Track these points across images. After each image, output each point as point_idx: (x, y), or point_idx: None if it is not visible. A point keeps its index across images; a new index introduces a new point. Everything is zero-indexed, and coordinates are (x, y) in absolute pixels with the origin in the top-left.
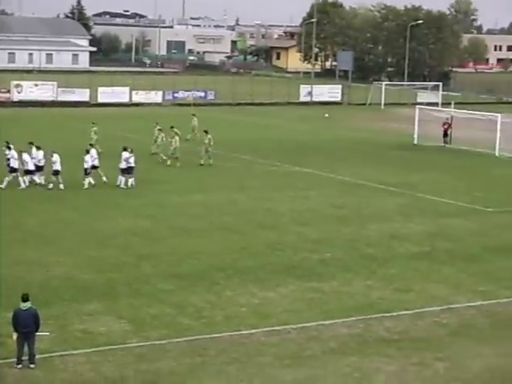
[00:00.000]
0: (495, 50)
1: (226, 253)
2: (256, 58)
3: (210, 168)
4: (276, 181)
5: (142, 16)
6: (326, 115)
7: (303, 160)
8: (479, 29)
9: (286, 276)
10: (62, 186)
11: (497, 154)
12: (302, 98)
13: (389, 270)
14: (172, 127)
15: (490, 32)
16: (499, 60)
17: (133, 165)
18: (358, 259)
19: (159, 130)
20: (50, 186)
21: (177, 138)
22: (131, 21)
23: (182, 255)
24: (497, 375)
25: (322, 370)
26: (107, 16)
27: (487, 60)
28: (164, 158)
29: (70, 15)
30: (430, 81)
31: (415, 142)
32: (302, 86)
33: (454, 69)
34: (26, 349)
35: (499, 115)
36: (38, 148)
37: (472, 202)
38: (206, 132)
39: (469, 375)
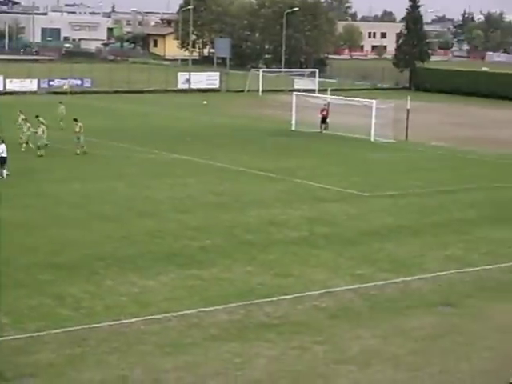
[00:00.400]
0: (369, 37)
1: (106, 242)
2: (133, 45)
3: (87, 156)
4: (155, 168)
5: (15, 2)
6: (205, 102)
7: (182, 147)
8: (354, 16)
9: (166, 264)
10: None
11: (372, 139)
12: (180, 86)
13: (268, 255)
14: (37, 116)
15: (364, 19)
16: (374, 47)
17: (4, 155)
18: (238, 245)
19: (24, 119)
20: None
21: (43, 127)
22: (4, 7)
23: (60, 245)
24: (374, 356)
25: (203, 357)
26: None
27: (362, 47)
28: (33, 147)
29: None
30: (306, 68)
31: (293, 128)
32: (179, 73)
33: (330, 56)
34: None
35: (374, 101)
36: None
37: (349, 187)
38: (75, 120)
39: (347, 357)
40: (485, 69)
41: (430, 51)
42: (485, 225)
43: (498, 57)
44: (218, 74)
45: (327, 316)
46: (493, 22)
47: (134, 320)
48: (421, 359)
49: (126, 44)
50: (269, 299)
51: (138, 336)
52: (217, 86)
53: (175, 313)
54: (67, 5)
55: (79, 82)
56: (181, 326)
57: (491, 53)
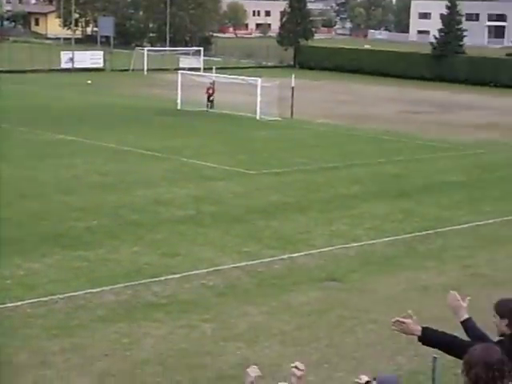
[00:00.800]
0: (254, 15)
1: None
2: (13, 23)
3: None
4: (39, 149)
5: None
6: (89, 82)
7: (67, 128)
8: None
9: (51, 246)
10: None
11: (258, 117)
12: (64, 65)
13: (155, 235)
14: None
15: None
16: (258, 25)
17: None
18: (124, 226)
19: None
20: None
21: None
22: None
23: None
24: (261, 332)
25: (90, 339)
26: None
27: (246, 25)
28: None
29: None
30: (191, 46)
31: (179, 107)
32: (62, 52)
33: (215, 34)
34: None
35: (259, 79)
36: None
37: (235, 165)
38: None
39: (235, 334)
40: (367, 46)
41: (313, 29)
42: (369, 200)
43: (380, 34)
44: (101, 53)
45: (215, 294)
46: (374, 0)
47: (19, 303)
48: (307, 334)
49: (6, 23)
50: (156, 279)
51: (24, 319)
52: (101, 65)
53: (61, 295)
54: None
55: None
56: (67, 308)
57: (373, 31)
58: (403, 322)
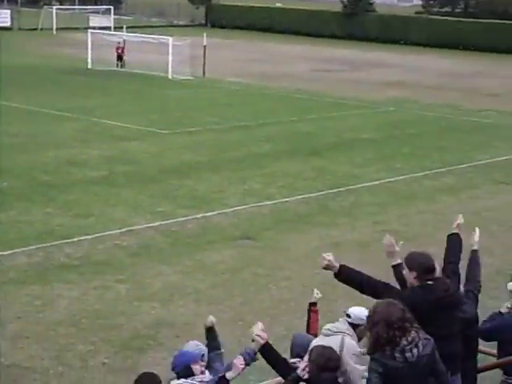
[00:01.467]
0: None
1: None
2: None
3: None
4: None
5: None
6: None
7: None
8: None
9: None
10: None
11: (170, 76)
12: None
13: (68, 196)
14: None
15: None
16: None
17: None
18: (36, 187)
19: None
20: None
21: None
22: None
23: None
24: (176, 291)
25: (3, 301)
26: None
27: None
28: None
29: None
30: (101, 5)
31: (89, 66)
32: None
33: None
34: None
35: (170, 38)
36: None
37: (148, 125)
38: None
39: (149, 294)
40: (278, 5)
41: None
42: (281, 159)
43: None
44: (8, 11)
45: (128, 254)
46: None
47: None
48: (222, 292)
49: None
50: (69, 240)
51: None
52: (8, 24)
53: None
54: None
55: None
56: None
57: None
58: (326, 258)
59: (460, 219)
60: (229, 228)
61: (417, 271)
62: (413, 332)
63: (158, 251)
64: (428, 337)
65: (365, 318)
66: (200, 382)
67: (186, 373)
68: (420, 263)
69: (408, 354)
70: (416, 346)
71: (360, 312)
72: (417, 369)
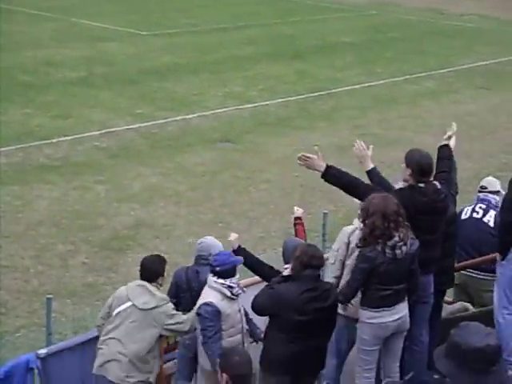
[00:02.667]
0: None
1: None
2: None
3: None
4: None
5: None
6: None
7: None
8: None
9: None
10: None
11: None
12: None
13: (46, 97)
14: None
15: None
16: None
17: None
18: (14, 87)
19: None
20: None
21: None
22: None
23: None
24: (155, 193)
25: None
26: None
27: None
28: None
29: None
30: None
31: None
32: None
33: None
34: None
35: None
36: None
37: (127, 26)
38: None
39: (129, 195)
40: None
41: None
42: (263, 61)
43: None
44: None
45: (108, 156)
46: None
47: None
48: (202, 194)
49: None
50: (48, 141)
51: None
52: None
53: None
54: None
55: None
56: None
57: None
58: (308, 157)
59: (453, 129)
60: (209, 131)
61: (413, 169)
62: (403, 229)
63: (138, 153)
64: (414, 237)
65: None
66: (238, 285)
67: (229, 274)
68: (418, 161)
69: (398, 251)
70: (405, 244)
71: None
72: (401, 266)
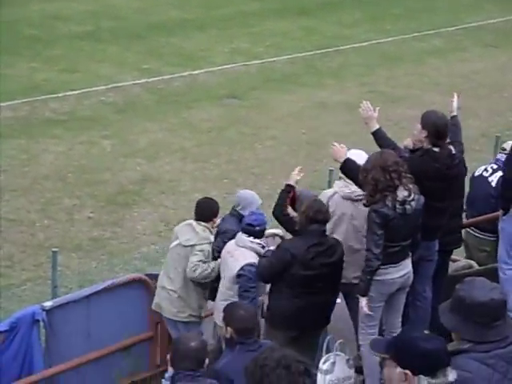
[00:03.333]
0: None
1: None
2: None
3: None
4: None
5: None
6: None
7: None
8: None
9: None
10: None
11: None
12: None
13: (53, 51)
14: None
15: None
16: None
17: None
18: (21, 41)
19: None
20: None
21: None
22: None
23: None
24: (161, 149)
25: None
26: None
27: None
28: None
29: None
30: None
31: None
32: None
33: None
34: None
35: None
36: None
37: None
38: None
39: (135, 150)
40: None
41: None
42: (270, 17)
43: None
44: None
45: (114, 111)
46: None
47: None
48: (208, 150)
49: None
50: (54, 95)
51: None
52: None
53: None
54: None
55: None
56: None
57: None
58: (370, 110)
59: (455, 99)
60: (215, 87)
61: (429, 131)
62: (410, 184)
63: (144, 108)
64: (418, 191)
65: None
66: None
67: (262, 234)
68: (434, 123)
69: (408, 207)
70: (413, 199)
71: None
72: (409, 222)
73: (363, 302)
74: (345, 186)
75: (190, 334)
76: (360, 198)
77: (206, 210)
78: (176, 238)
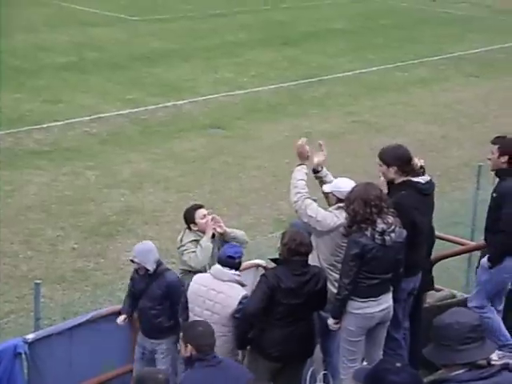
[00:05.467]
0: None
1: None
2: None
3: None
4: None
5: None
6: None
7: None
8: None
9: None
10: None
11: None
12: None
13: (37, 81)
14: None
15: None
16: None
17: None
18: (5, 71)
19: None
20: None
21: None
22: None
23: None
24: (145, 179)
25: None
26: None
27: None
28: None
29: None
30: None
31: None
32: None
33: None
34: None
35: None
36: None
37: (117, 11)
38: None
39: (119, 181)
40: None
41: None
42: (255, 47)
43: None
44: None
45: (98, 141)
46: None
47: None
48: (192, 180)
49: None
50: (38, 126)
51: None
52: None
53: None
54: None
55: None
56: None
57: None
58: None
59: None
60: (199, 117)
61: (397, 165)
62: (390, 217)
63: (128, 139)
64: (401, 226)
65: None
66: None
67: (238, 266)
68: (398, 155)
69: (387, 237)
70: (393, 231)
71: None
72: (389, 254)
73: (331, 320)
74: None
75: (155, 369)
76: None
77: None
78: None
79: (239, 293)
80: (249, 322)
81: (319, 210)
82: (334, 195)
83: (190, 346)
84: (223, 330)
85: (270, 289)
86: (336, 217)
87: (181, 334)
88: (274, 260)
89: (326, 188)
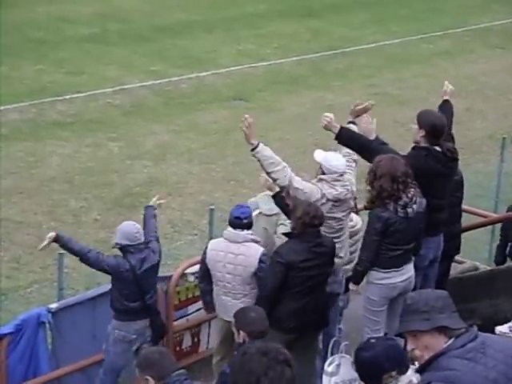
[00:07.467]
0: None
1: None
2: None
3: None
4: None
5: None
6: None
7: None
8: None
9: None
10: None
11: None
12: None
13: (60, 53)
14: None
15: None
16: None
17: None
18: (27, 43)
19: None
20: None
21: None
22: None
23: None
24: (168, 151)
25: None
26: None
27: None
28: None
29: None
30: None
31: None
32: None
33: None
34: None
35: None
36: None
37: None
38: None
39: (142, 152)
40: None
41: None
42: (277, 19)
43: None
44: None
45: (121, 113)
46: None
47: None
48: (214, 152)
49: None
50: (61, 97)
51: None
52: None
53: None
54: None
55: None
56: None
57: None
58: (327, 117)
59: (447, 87)
60: (222, 88)
61: (427, 131)
62: (412, 189)
63: (151, 110)
64: (421, 195)
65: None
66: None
67: (248, 227)
68: (432, 123)
69: (409, 210)
70: (415, 202)
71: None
72: (411, 225)
73: (353, 285)
74: (330, 188)
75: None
76: (348, 197)
77: None
78: (256, 208)
79: (257, 251)
80: (269, 302)
81: (303, 183)
82: (320, 168)
83: (242, 333)
84: (247, 289)
85: (284, 266)
86: (319, 188)
87: (233, 320)
88: (286, 234)
89: (318, 157)
